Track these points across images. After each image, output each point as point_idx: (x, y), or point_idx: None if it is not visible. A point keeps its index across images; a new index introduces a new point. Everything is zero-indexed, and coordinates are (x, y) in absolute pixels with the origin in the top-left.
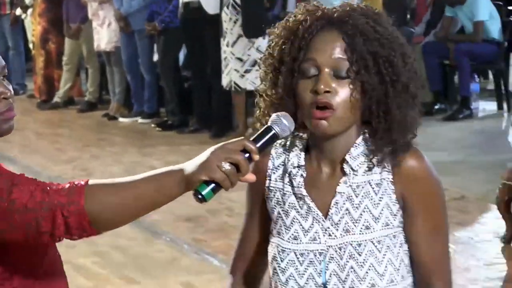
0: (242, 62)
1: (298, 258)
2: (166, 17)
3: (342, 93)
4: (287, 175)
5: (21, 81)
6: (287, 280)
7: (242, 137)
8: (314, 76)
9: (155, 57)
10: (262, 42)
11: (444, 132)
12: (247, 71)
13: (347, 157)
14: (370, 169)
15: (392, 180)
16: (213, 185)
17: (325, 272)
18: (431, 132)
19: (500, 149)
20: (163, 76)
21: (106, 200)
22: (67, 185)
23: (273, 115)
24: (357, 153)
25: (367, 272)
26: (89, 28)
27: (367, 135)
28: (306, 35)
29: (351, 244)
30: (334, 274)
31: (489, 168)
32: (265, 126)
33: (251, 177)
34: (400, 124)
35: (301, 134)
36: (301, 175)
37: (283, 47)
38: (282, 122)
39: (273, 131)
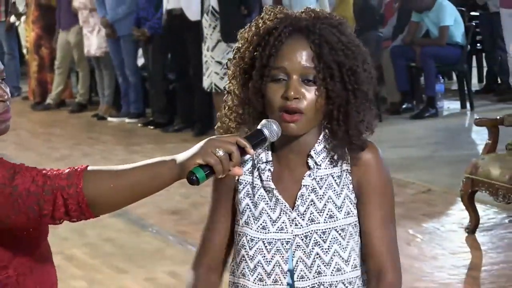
0: (221, 65)
1: (266, 246)
2: (155, 23)
3: (309, 98)
4: (256, 169)
5: (16, 84)
6: (255, 267)
7: (235, 134)
8: (283, 81)
9: (139, 61)
10: None
11: (411, 129)
12: (226, 74)
13: (312, 153)
14: (331, 162)
15: (350, 171)
16: (207, 169)
17: (292, 260)
18: (399, 130)
19: (464, 145)
20: (152, 79)
21: (103, 185)
22: (67, 170)
23: (264, 120)
24: (320, 149)
25: (331, 258)
26: (79, 34)
27: (327, 131)
28: (276, 43)
29: (316, 232)
30: (300, 261)
31: (453, 163)
32: (256, 129)
33: (239, 170)
34: (357, 127)
35: None
36: (269, 169)
37: (255, 53)
38: (272, 127)
39: (263, 134)
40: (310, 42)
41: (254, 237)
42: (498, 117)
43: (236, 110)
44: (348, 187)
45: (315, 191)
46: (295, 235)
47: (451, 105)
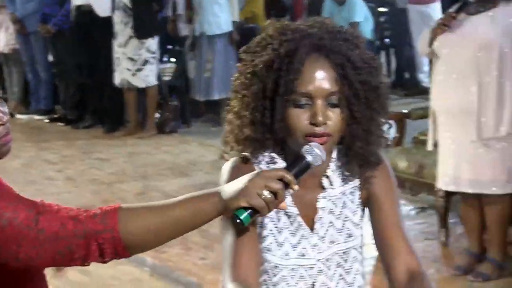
0: (133, 62)
1: (289, 273)
2: (59, 20)
3: (335, 121)
4: None
5: None
6: None
7: (280, 168)
8: (307, 105)
9: (50, 57)
10: (152, 43)
11: None
12: (138, 70)
13: (329, 172)
14: (343, 180)
15: (360, 187)
16: (250, 210)
17: (313, 285)
18: None
19: None
20: (63, 75)
21: (142, 226)
22: (99, 211)
23: (306, 146)
24: (334, 168)
25: (354, 277)
26: None
27: (338, 149)
28: (299, 67)
29: (337, 254)
30: (323, 286)
31: None
32: (298, 156)
33: (284, 205)
34: (376, 142)
35: (277, 150)
36: (290, 193)
37: (277, 80)
38: (314, 151)
39: (306, 160)
40: (332, 62)
41: (278, 264)
42: (405, 111)
43: (254, 137)
44: (359, 202)
45: (332, 211)
46: (317, 260)
47: None
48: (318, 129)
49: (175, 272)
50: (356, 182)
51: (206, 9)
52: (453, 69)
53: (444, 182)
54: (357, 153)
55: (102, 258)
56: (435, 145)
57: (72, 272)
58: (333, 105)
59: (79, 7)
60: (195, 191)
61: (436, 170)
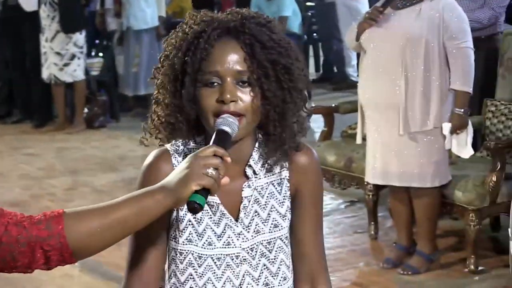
0: (61, 56)
1: (215, 262)
2: None
3: (245, 100)
4: None
5: None
6: (204, 285)
7: (208, 145)
8: (217, 85)
9: None
10: (79, 37)
11: None
12: (66, 65)
13: (251, 162)
14: (268, 170)
15: (288, 178)
16: (202, 192)
17: (238, 274)
18: None
19: None
20: None
21: (88, 229)
22: (43, 217)
23: (218, 119)
24: (257, 157)
25: (279, 267)
26: None
27: (261, 137)
28: (206, 46)
29: (262, 244)
30: (247, 274)
31: None
32: (216, 130)
33: (226, 180)
34: (292, 128)
35: (198, 140)
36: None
37: (185, 59)
38: (228, 120)
39: (225, 131)
40: (241, 42)
41: (202, 254)
42: (333, 105)
43: (167, 120)
44: (286, 194)
45: (258, 201)
46: (242, 249)
47: None
48: (227, 107)
49: (104, 267)
50: (285, 173)
51: (133, 3)
52: (379, 63)
53: (372, 175)
54: (274, 137)
55: (47, 265)
56: (364, 138)
57: None
58: (243, 84)
59: (5, 2)
60: (124, 186)
61: (365, 163)
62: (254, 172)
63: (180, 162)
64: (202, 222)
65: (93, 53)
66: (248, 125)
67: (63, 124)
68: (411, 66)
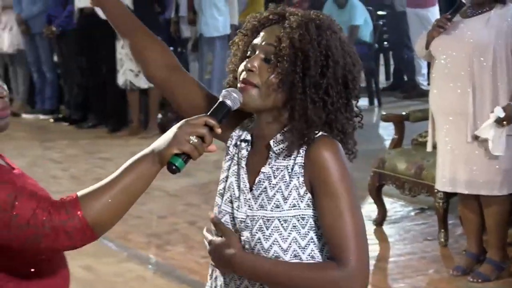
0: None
1: (231, 221)
2: (62, 21)
3: (264, 75)
4: (237, 146)
5: None
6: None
7: (203, 114)
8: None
9: (56, 58)
10: None
11: None
12: (141, 71)
13: (271, 142)
14: (288, 155)
15: (303, 164)
16: (183, 156)
17: (240, 238)
18: None
19: (371, 140)
20: (67, 76)
21: (101, 204)
22: (61, 203)
23: (224, 91)
24: (280, 139)
25: (271, 246)
26: None
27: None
28: (257, 25)
29: (262, 218)
30: (246, 241)
31: (361, 157)
32: (219, 101)
33: (213, 148)
34: (305, 116)
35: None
36: (246, 149)
37: (245, 38)
38: (232, 95)
39: (226, 105)
40: (281, 27)
41: (222, 210)
42: (403, 113)
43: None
44: (299, 179)
45: (269, 179)
46: (247, 216)
47: (359, 102)
48: (243, 75)
49: (177, 270)
50: (300, 159)
51: (205, 11)
52: (448, 71)
53: (442, 183)
54: (289, 122)
55: (73, 245)
56: (435, 146)
57: (76, 269)
58: (269, 61)
59: (82, 9)
60: (197, 191)
61: (435, 171)
62: (274, 152)
63: (239, 127)
64: (228, 179)
65: None
66: (261, 98)
67: (137, 129)
68: (479, 74)
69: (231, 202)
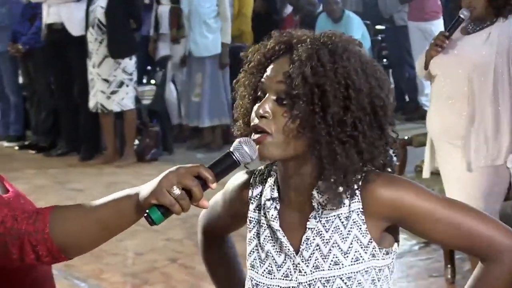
0: (108, 83)
1: None
2: (29, 39)
3: (279, 120)
4: (262, 207)
5: None
6: None
7: (200, 164)
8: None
9: (20, 79)
10: (129, 63)
11: None
12: (113, 92)
13: (314, 192)
14: (339, 202)
15: (362, 210)
16: (163, 209)
17: None
18: None
19: None
20: (32, 98)
21: (71, 227)
22: (34, 212)
23: (236, 141)
24: (324, 187)
25: None
26: None
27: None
28: (263, 61)
29: (320, 281)
30: None
31: None
32: (226, 152)
33: (205, 203)
34: (332, 164)
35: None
36: (275, 207)
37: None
38: (242, 148)
39: (233, 158)
40: (290, 59)
41: (259, 282)
42: (406, 138)
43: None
44: (360, 228)
45: (321, 234)
46: (299, 283)
47: None
48: (255, 122)
49: None
50: (357, 205)
51: (194, 28)
52: (445, 92)
53: None
54: (325, 172)
55: (40, 260)
56: (433, 172)
57: None
58: (282, 102)
59: (50, 25)
60: (180, 224)
61: None
62: (320, 203)
63: (257, 183)
64: (264, 248)
65: (144, 81)
66: (278, 147)
67: (112, 157)
68: (479, 94)
69: (270, 272)
